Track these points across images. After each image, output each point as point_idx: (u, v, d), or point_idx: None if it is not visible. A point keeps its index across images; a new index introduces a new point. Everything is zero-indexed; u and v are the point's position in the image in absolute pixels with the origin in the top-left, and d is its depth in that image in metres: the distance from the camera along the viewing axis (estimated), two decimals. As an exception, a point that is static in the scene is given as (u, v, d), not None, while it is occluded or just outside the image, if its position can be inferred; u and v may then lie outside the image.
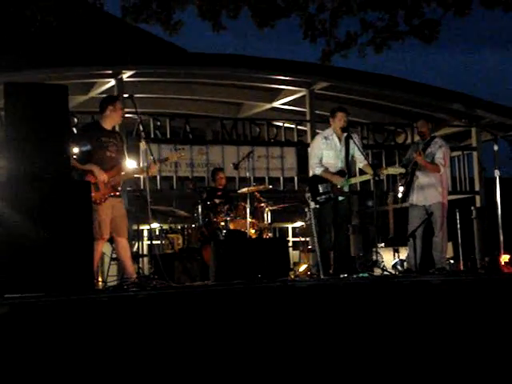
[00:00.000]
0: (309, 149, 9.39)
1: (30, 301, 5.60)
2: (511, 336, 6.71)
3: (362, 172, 9.50)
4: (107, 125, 7.91)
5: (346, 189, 8.93)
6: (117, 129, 8.90)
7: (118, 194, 7.82)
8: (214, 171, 11.18)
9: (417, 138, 11.31)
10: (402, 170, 9.34)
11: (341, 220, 8.93)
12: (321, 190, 8.86)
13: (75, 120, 10.94)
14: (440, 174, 9.43)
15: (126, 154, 7.98)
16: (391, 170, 9.62)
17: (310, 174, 9.11)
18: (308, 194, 8.97)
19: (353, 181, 9.27)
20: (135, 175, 8.99)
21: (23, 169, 6.29)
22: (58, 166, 6.41)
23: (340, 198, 8.87)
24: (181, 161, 12.09)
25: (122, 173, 7.86)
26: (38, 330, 5.28)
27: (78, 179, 7.40)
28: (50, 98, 6.44)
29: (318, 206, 8.87)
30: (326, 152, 8.94)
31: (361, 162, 9.10)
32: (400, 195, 9.51)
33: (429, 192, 9.32)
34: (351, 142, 8.96)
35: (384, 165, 10.71)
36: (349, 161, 8.98)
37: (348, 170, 8.99)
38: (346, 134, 8.94)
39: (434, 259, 9.39)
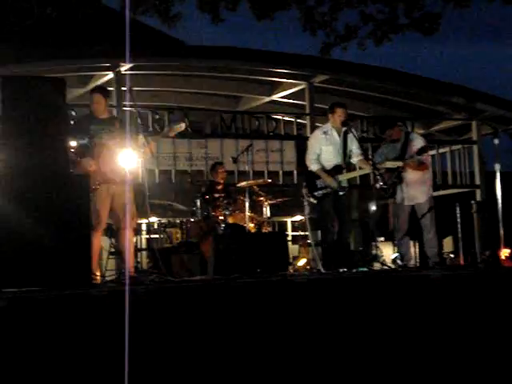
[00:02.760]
0: (308, 142, 9.35)
1: (27, 295, 5.57)
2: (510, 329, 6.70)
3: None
4: (94, 112, 8.01)
5: (344, 183, 8.91)
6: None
7: (118, 181, 7.83)
8: (214, 165, 11.12)
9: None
10: (400, 164, 9.31)
11: (343, 214, 8.91)
12: (318, 185, 8.84)
13: (73, 113, 10.88)
14: (425, 171, 9.42)
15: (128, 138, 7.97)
16: (389, 164, 9.57)
17: (308, 168, 9.09)
18: (305, 190, 8.95)
19: (351, 175, 9.24)
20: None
21: (20, 162, 6.25)
22: (55, 159, 6.36)
23: (340, 193, 8.86)
24: (179, 154, 12.06)
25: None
26: (35, 325, 5.25)
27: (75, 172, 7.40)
28: (48, 91, 6.39)
29: (315, 201, 8.87)
30: (326, 147, 8.93)
31: (355, 157, 9.07)
32: (383, 194, 9.44)
33: (418, 190, 9.28)
34: (350, 136, 8.94)
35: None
36: (347, 155, 8.97)
37: (346, 164, 8.98)
38: (344, 129, 8.92)
39: (426, 255, 9.36)
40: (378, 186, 9.27)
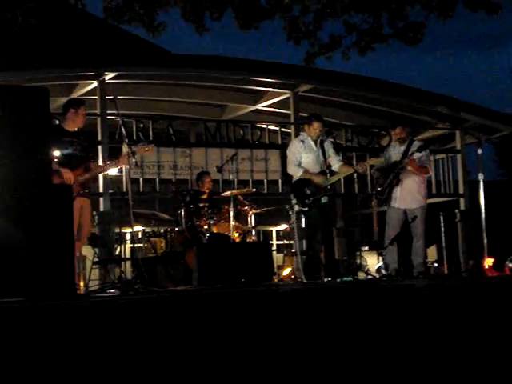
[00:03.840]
0: (287, 153, 9.38)
1: (10, 305, 5.53)
2: (495, 339, 6.71)
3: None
4: (69, 127, 8.05)
5: (328, 187, 8.94)
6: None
7: (86, 192, 7.86)
8: (200, 174, 11.10)
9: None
10: (382, 160, 9.37)
11: (327, 222, 8.93)
12: (308, 192, 8.85)
13: (57, 122, 10.83)
14: (424, 177, 9.45)
15: (96, 153, 8.05)
16: (372, 161, 9.61)
17: (294, 177, 9.10)
18: (294, 200, 8.95)
19: (335, 178, 9.26)
20: (105, 171, 8.91)
21: (2, 172, 6.20)
22: (38, 169, 6.32)
23: (323, 200, 8.86)
24: (163, 163, 12.05)
25: (89, 172, 7.91)
26: (18, 336, 5.21)
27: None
28: (30, 101, 6.35)
29: (306, 209, 8.88)
30: (305, 155, 8.99)
31: (336, 163, 9.11)
32: (379, 197, 9.48)
33: (412, 196, 9.32)
34: (326, 144, 9.04)
35: (368, 169, 10.68)
36: (327, 161, 9.01)
37: (329, 170, 9.01)
38: (320, 138, 9.01)
39: (412, 264, 9.38)
40: (375, 191, 9.38)
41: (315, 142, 9.04)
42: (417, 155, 9.28)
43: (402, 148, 9.44)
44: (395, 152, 9.50)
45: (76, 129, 8.14)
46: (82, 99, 9.49)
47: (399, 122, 10.20)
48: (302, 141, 9.08)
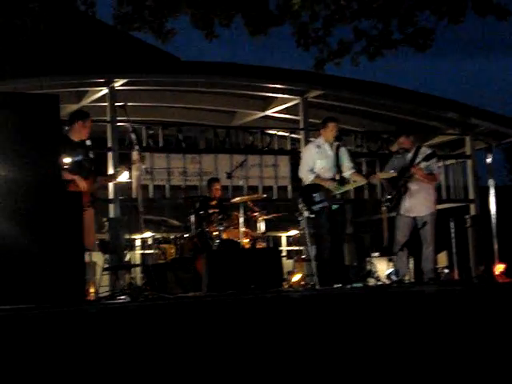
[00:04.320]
0: (301, 156, 9.36)
1: (21, 312, 5.55)
2: (504, 344, 6.69)
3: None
4: (75, 137, 8.15)
5: (338, 197, 8.92)
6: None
7: (94, 203, 7.96)
8: (210, 181, 11.13)
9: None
10: (394, 174, 9.33)
11: (337, 229, 8.90)
12: (316, 198, 8.83)
13: (67, 129, 10.87)
14: (433, 184, 9.43)
15: (102, 163, 8.16)
16: (384, 175, 9.60)
17: (303, 183, 9.08)
18: (302, 204, 8.94)
19: (345, 188, 9.24)
20: (113, 181, 9.00)
21: (13, 180, 6.23)
22: (48, 176, 6.35)
23: (334, 207, 8.85)
24: (173, 169, 12.07)
25: (96, 182, 7.98)
26: (28, 342, 5.22)
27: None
28: (41, 108, 6.39)
29: (313, 216, 8.85)
30: (319, 161, 8.96)
31: (348, 170, 9.09)
32: (387, 205, 9.45)
33: (421, 203, 9.29)
34: (342, 150, 8.99)
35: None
36: (340, 169, 8.99)
37: (340, 177, 8.99)
38: (337, 143, 8.96)
39: (422, 270, 9.36)
40: (384, 198, 9.36)
41: (331, 146, 8.99)
42: (424, 164, 9.24)
43: (410, 155, 9.41)
44: (403, 159, 9.48)
45: (80, 139, 8.24)
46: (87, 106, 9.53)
47: (403, 130, 10.08)
48: (318, 146, 9.03)
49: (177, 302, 6.80)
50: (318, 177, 8.90)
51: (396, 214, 9.42)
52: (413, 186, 9.30)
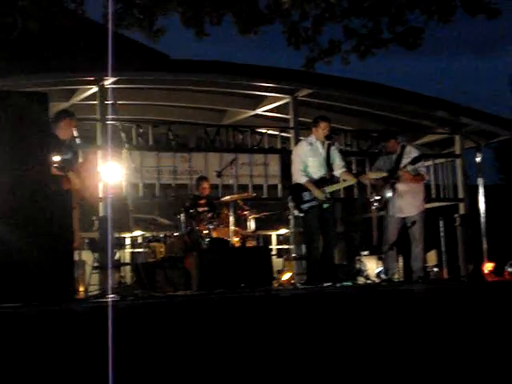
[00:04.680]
0: (292, 155, 9.37)
1: (10, 311, 5.53)
2: (493, 342, 6.72)
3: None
4: (60, 135, 8.16)
5: (328, 196, 8.93)
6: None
7: (82, 200, 7.96)
8: (198, 179, 11.12)
9: None
10: (385, 174, 9.34)
11: (328, 227, 8.91)
12: (305, 197, 8.84)
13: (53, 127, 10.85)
14: (421, 183, 9.45)
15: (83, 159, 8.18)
16: (374, 175, 9.62)
17: (293, 181, 9.08)
18: (291, 203, 8.95)
19: (335, 187, 9.25)
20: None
21: (2, 178, 6.21)
22: (38, 175, 6.33)
23: (325, 206, 8.86)
24: (163, 168, 12.07)
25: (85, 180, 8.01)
26: (16, 340, 5.21)
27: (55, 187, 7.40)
28: (30, 106, 6.36)
29: (302, 215, 8.87)
30: (311, 159, 8.96)
31: (339, 169, 9.10)
32: (375, 205, 9.46)
33: (410, 203, 9.31)
34: (333, 148, 9.00)
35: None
36: (331, 167, 9.00)
37: (330, 176, 9.00)
38: (328, 142, 8.97)
39: (411, 269, 9.38)
40: (372, 198, 9.36)
41: (322, 145, 9.01)
42: (411, 167, 9.26)
43: (395, 156, 9.43)
44: (389, 160, 9.49)
45: (68, 137, 8.28)
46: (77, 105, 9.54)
47: (391, 134, 10.06)
48: (311, 143, 9.03)
49: (167, 300, 6.79)
50: (309, 181, 8.89)
51: (385, 213, 9.44)
52: (401, 187, 9.32)
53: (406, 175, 9.22)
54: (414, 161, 9.20)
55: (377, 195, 9.43)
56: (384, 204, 9.35)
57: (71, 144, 8.26)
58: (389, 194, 9.30)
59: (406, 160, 9.30)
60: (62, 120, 8.21)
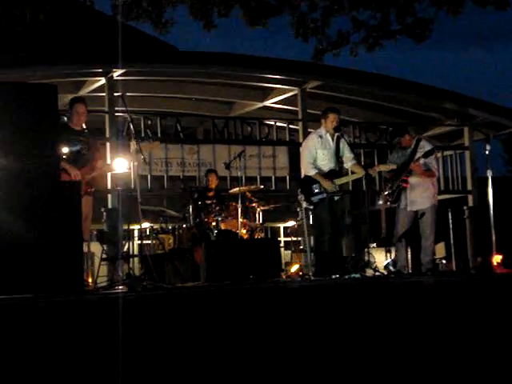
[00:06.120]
0: (301, 147, 9.35)
1: (19, 302, 5.55)
2: (502, 335, 6.70)
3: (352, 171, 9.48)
4: (75, 125, 8.15)
5: (338, 188, 8.93)
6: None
7: (90, 191, 7.94)
8: (207, 172, 11.13)
9: None
10: (394, 167, 9.31)
11: (337, 219, 8.90)
12: (315, 190, 8.82)
13: (65, 119, 10.85)
14: (432, 179, 9.43)
15: (100, 151, 8.13)
16: (383, 167, 9.59)
17: (303, 173, 9.07)
18: (301, 195, 8.93)
19: (344, 180, 9.24)
20: (112, 170, 9.00)
21: (11, 169, 6.22)
22: (46, 166, 6.33)
23: (335, 198, 8.85)
24: (171, 160, 12.08)
25: (95, 170, 7.96)
26: (28, 331, 5.22)
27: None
28: (39, 98, 6.36)
29: (311, 207, 8.85)
30: (321, 151, 8.93)
31: (349, 161, 9.08)
32: (388, 198, 9.44)
33: (421, 197, 9.27)
34: (342, 141, 8.98)
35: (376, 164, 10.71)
36: (340, 159, 8.99)
37: (339, 168, 8.99)
38: (337, 134, 8.94)
39: (420, 261, 9.35)
40: (385, 192, 9.35)
41: (332, 137, 8.98)
42: (423, 160, 9.23)
43: (409, 150, 9.40)
44: (404, 154, 9.46)
45: (80, 127, 8.23)
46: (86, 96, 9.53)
47: (406, 128, 10.01)
48: (320, 136, 8.99)
49: (175, 292, 6.80)
50: (319, 173, 8.86)
51: (396, 207, 9.42)
52: (413, 180, 9.29)
53: (418, 169, 9.19)
54: (426, 154, 9.17)
55: (389, 188, 9.41)
56: (396, 198, 9.33)
57: (83, 135, 8.24)
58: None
59: (419, 154, 9.28)
60: (74, 106, 8.19)
